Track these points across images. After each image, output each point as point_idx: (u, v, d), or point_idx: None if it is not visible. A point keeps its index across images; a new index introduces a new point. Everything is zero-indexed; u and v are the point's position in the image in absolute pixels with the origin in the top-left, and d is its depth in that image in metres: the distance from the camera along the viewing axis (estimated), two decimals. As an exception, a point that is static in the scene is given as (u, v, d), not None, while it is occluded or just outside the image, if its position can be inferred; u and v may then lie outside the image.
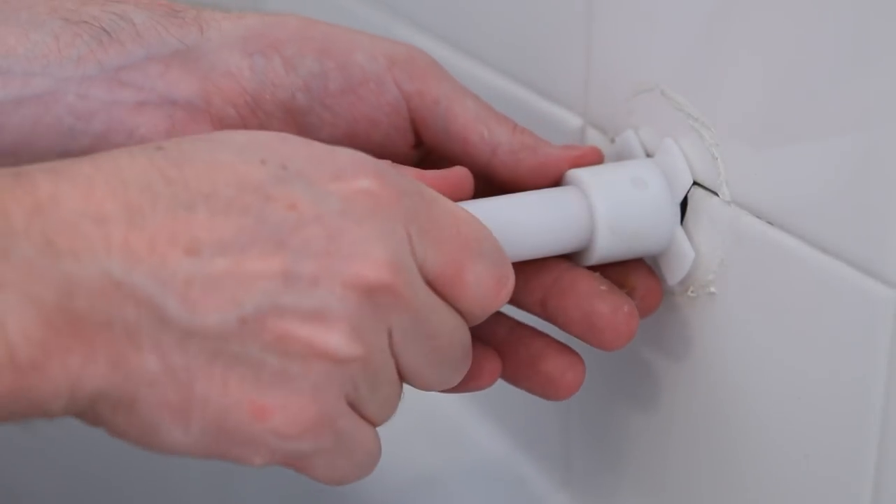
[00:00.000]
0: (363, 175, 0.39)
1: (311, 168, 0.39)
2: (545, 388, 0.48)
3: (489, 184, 0.48)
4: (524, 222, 0.46)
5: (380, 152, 0.48)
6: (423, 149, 0.49)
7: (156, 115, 0.48)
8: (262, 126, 0.48)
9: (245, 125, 0.48)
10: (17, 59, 0.46)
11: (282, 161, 0.38)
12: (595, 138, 0.52)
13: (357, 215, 0.38)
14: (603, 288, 0.47)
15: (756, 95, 0.43)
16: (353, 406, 0.39)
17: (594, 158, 0.48)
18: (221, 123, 0.48)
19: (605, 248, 0.46)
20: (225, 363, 0.37)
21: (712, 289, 0.46)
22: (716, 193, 0.45)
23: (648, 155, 0.48)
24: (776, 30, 0.42)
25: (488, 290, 0.41)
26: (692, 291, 0.47)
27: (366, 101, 0.48)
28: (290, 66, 0.47)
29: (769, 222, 0.43)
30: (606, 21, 0.50)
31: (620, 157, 0.49)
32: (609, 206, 0.46)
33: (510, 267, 0.42)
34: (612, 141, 0.50)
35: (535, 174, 0.47)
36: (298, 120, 0.48)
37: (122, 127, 0.47)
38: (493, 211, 0.45)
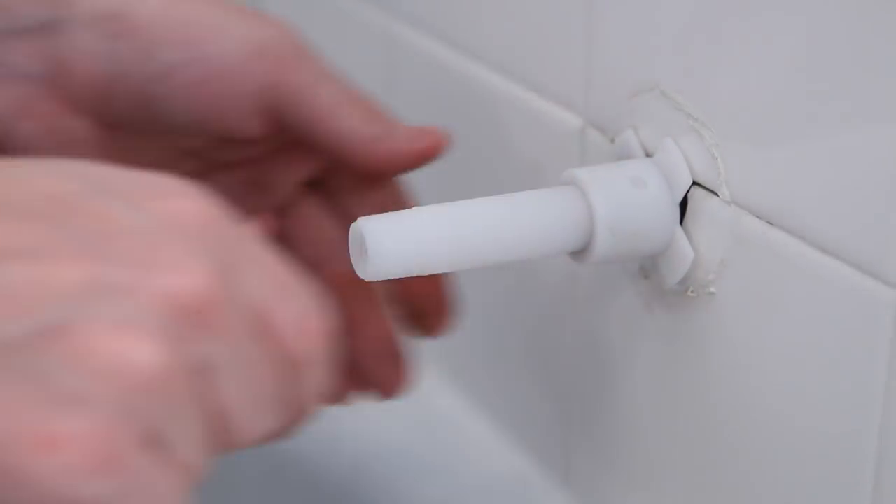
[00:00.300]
0: (181, 198, 0.36)
1: (126, 187, 0.36)
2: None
3: (349, 169, 0.49)
4: (521, 222, 0.46)
5: (238, 139, 0.49)
6: (281, 136, 0.50)
7: (10, 90, 0.47)
8: (115, 112, 0.47)
9: (98, 107, 0.47)
10: None
11: (95, 179, 0.36)
12: (595, 138, 0.52)
13: (174, 233, 0.35)
14: (393, 343, 0.50)
15: (756, 95, 0.44)
16: (157, 444, 0.34)
17: (437, 148, 0.49)
18: (72, 102, 0.47)
19: (605, 248, 0.46)
20: (13, 382, 0.32)
21: (712, 289, 0.46)
22: (716, 193, 0.46)
23: (648, 155, 0.48)
24: (777, 29, 0.42)
25: (299, 332, 0.38)
26: (692, 291, 0.47)
27: (225, 90, 0.47)
28: (148, 53, 0.47)
29: (769, 222, 0.44)
30: (606, 21, 0.50)
31: (620, 157, 0.49)
32: (608, 206, 0.46)
33: (322, 312, 0.39)
34: (612, 141, 0.50)
35: (389, 163, 0.49)
36: (153, 106, 0.47)
37: None
38: (490, 209, 0.46)
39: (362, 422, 0.69)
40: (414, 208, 0.45)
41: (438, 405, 0.69)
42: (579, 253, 0.47)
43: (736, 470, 0.48)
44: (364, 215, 0.46)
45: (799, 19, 0.41)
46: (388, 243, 0.44)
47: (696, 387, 0.49)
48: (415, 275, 0.45)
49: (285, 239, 0.52)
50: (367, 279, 0.44)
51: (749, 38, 0.43)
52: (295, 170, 0.51)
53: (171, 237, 0.34)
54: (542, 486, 0.62)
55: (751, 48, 0.43)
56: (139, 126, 0.48)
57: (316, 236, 0.52)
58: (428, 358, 0.72)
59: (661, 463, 0.53)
